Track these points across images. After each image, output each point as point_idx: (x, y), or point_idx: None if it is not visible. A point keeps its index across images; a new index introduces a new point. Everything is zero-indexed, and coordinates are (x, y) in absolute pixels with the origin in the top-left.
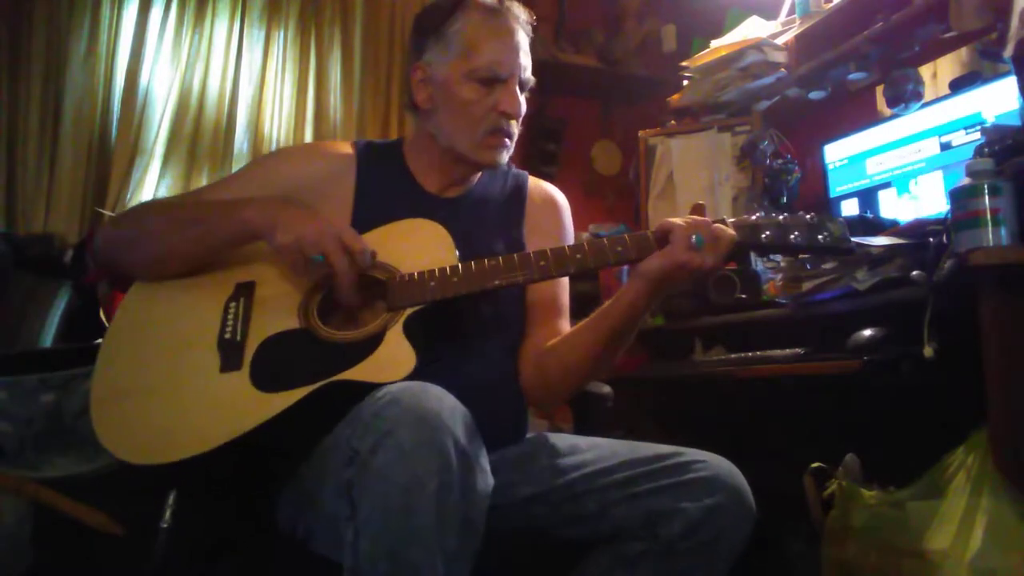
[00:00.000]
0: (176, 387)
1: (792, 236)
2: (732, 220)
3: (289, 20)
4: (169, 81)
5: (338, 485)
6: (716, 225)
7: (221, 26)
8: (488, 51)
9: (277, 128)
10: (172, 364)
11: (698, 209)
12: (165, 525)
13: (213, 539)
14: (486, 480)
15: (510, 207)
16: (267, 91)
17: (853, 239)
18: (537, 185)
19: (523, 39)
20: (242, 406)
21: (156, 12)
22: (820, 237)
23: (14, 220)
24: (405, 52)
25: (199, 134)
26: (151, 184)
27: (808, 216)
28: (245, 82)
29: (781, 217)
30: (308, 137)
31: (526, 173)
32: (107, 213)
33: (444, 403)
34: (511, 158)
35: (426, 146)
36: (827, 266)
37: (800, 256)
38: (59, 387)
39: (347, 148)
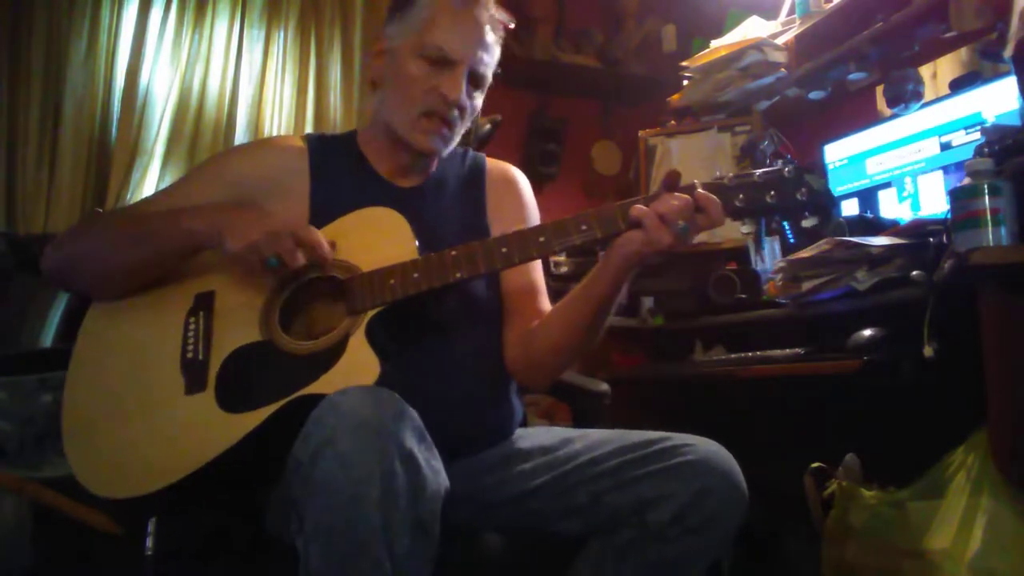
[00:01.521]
0: (143, 414)
1: (768, 197)
2: (704, 183)
3: (289, 20)
4: (169, 81)
5: (290, 497)
6: (689, 199)
7: (221, 26)
8: (444, 31)
9: (277, 128)
10: (137, 390)
11: (672, 177)
12: (149, 553)
13: (204, 545)
14: (437, 481)
15: (470, 191)
16: (267, 91)
17: (853, 239)
18: (495, 165)
19: (488, 34)
20: (209, 430)
21: (156, 12)
22: (798, 195)
23: (14, 220)
24: None
25: (199, 134)
26: (151, 184)
27: (786, 169)
28: (245, 82)
29: (757, 174)
30: None
31: (483, 155)
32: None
33: (385, 406)
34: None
35: (376, 128)
36: (808, 223)
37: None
38: (59, 387)
39: (298, 141)
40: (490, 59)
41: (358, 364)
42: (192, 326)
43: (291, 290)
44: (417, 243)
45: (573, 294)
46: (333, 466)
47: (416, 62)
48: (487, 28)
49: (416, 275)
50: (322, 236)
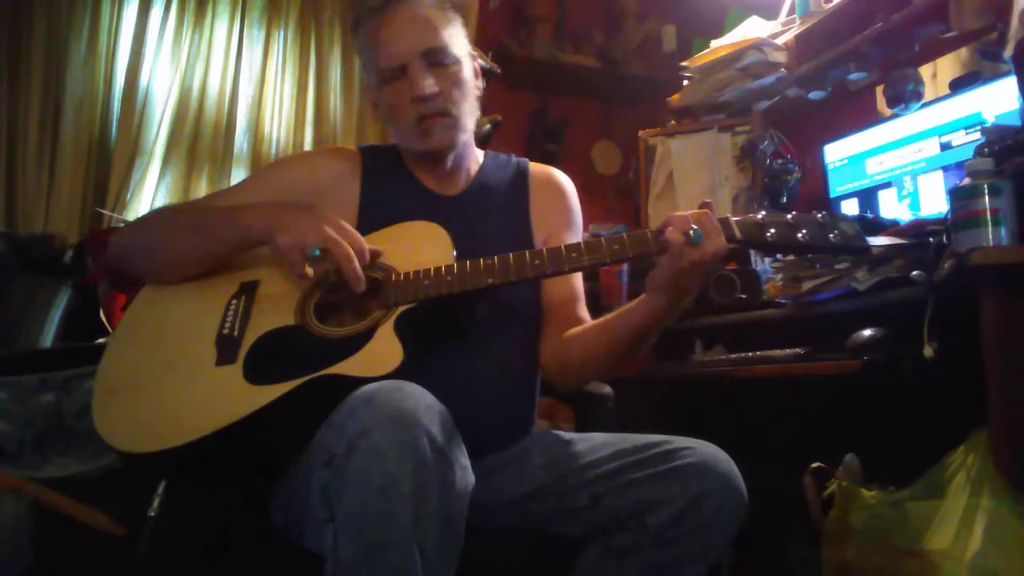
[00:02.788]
0: (171, 380)
1: (800, 235)
2: (737, 219)
3: (289, 20)
4: (169, 81)
5: (317, 487)
6: (700, 211)
7: (221, 26)
8: (381, 50)
9: (277, 128)
10: (170, 359)
11: (705, 208)
12: (153, 514)
13: (211, 535)
14: (466, 477)
15: (514, 196)
16: (267, 91)
17: None
18: (540, 170)
19: (420, 14)
20: (232, 397)
21: (156, 12)
22: (831, 236)
23: (14, 220)
24: None
25: (199, 134)
26: (151, 184)
27: (819, 215)
28: (245, 82)
29: (789, 216)
30: (308, 137)
31: (527, 160)
32: (107, 213)
33: (419, 401)
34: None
35: (404, 152)
36: (840, 266)
37: (810, 256)
38: (59, 387)
39: (351, 149)
40: (432, 35)
41: (382, 351)
42: (232, 307)
43: (329, 285)
44: (455, 254)
45: (613, 316)
46: (367, 458)
47: (383, 90)
48: (415, 10)
49: (450, 278)
50: (366, 242)
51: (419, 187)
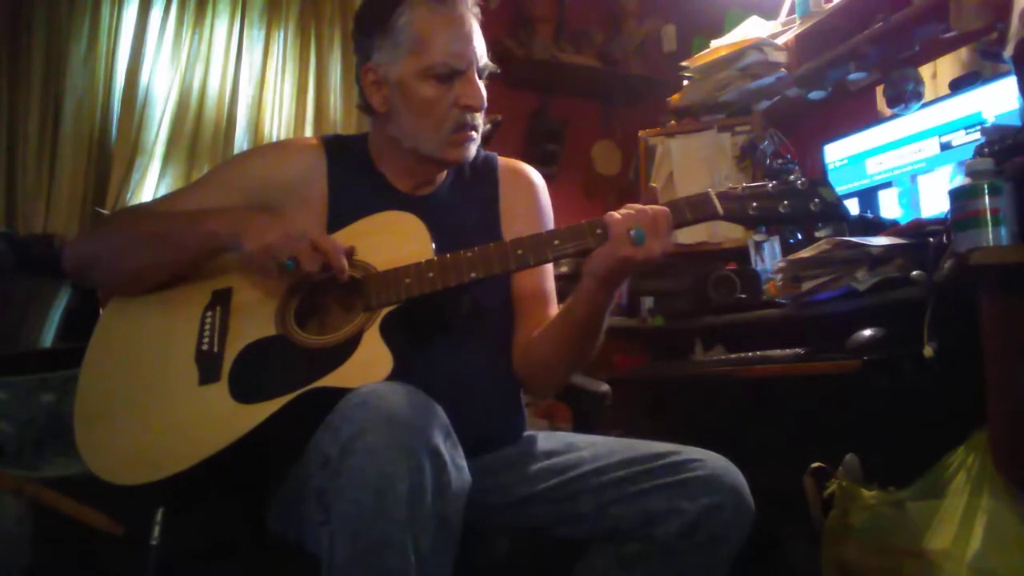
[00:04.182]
0: (156, 404)
1: (782, 206)
2: (718, 192)
3: (289, 20)
4: (169, 81)
5: (314, 490)
6: (650, 209)
7: (221, 26)
8: (441, 44)
9: (277, 128)
10: (152, 380)
11: (650, 193)
12: (154, 543)
13: (208, 544)
14: (462, 478)
15: (483, 193)
16: (267, 91)
17: (853, 239)
18: (508, 165)
19: (474, 24)
20: (222, 419)
21: (156, 12)
22: (812, 205)
23: (14, 220)
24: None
25: (199, 134)
26: (151, 184)
27: (799, 182)
28: (245, 82)
29: (770, 185)
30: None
31: (495, 154)
32: (107, 213)
33: (414, 402)
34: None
35: (390, 149)
36: (821, 234)
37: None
38: (59, 387)
39: (314, 144)
40: (483, 48)
41: (371, 359)
42: (208, 320)
43: (308, 288)
44: (434, 245)
45: (558, 314)
46: (363, 460)
47: (426, 84)
48: (472, 18)
49: (431, 274)
50: (339, 243)
51: (390, 188)
